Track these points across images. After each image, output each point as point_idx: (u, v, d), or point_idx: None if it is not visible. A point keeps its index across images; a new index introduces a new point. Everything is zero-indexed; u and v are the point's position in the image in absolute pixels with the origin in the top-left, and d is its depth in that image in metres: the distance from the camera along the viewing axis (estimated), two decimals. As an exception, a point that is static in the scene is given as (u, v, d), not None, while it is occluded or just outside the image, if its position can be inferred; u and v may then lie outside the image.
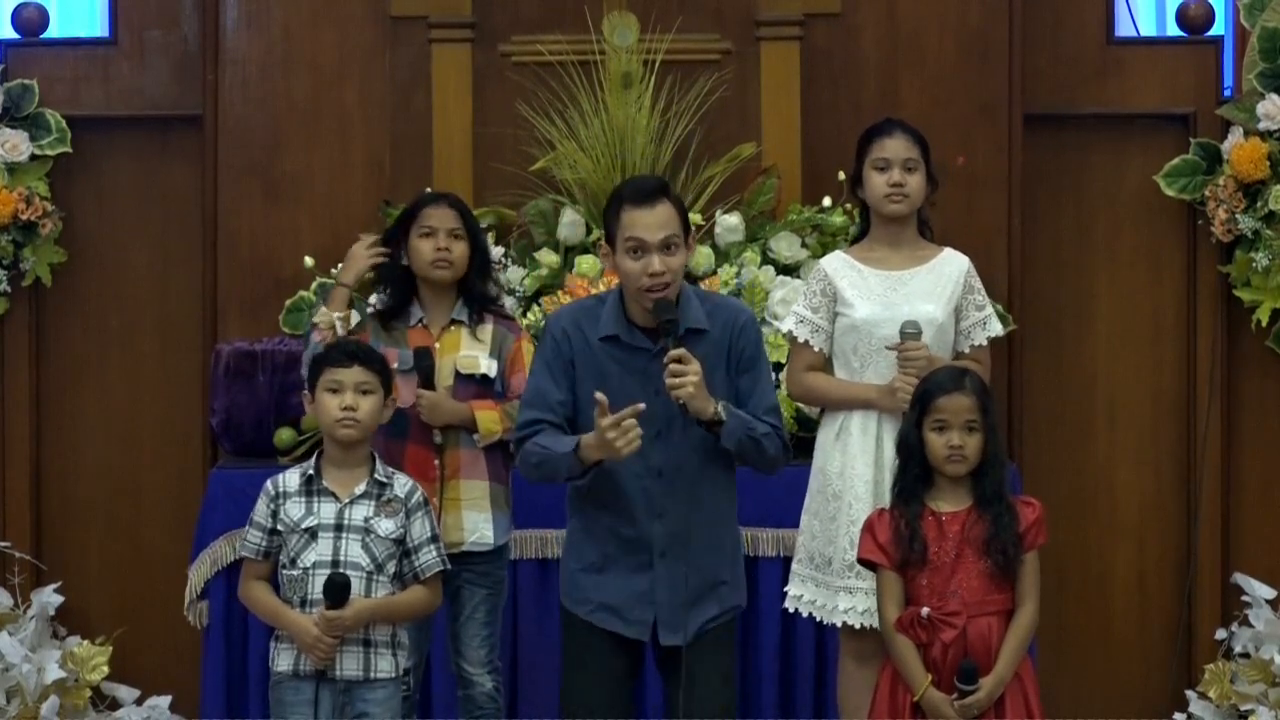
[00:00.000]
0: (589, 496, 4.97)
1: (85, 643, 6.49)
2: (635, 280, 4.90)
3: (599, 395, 4.82)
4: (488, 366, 5.49)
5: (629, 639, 4.98)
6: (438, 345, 5.49)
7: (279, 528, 5.06)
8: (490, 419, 5.44)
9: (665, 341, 4.85)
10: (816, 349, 5.52)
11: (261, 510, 5.10)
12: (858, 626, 5.38)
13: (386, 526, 5.06)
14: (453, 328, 5.54)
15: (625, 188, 5.06)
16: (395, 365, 5.43)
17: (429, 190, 5.91)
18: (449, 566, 5.18)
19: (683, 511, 4.89)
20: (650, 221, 4.90)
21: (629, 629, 4.96)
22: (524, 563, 6.00)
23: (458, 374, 5.48)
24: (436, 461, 5.43)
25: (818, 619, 5.49)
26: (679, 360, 4.81)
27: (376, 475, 5.10)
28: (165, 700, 6.52)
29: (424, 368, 5.42)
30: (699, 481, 4.93)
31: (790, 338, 5.57)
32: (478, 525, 5.46)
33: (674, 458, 4.91)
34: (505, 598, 5.65)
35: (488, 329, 5.54)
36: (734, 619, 5.08)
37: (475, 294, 5.55)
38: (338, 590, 4.95)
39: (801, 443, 6.06)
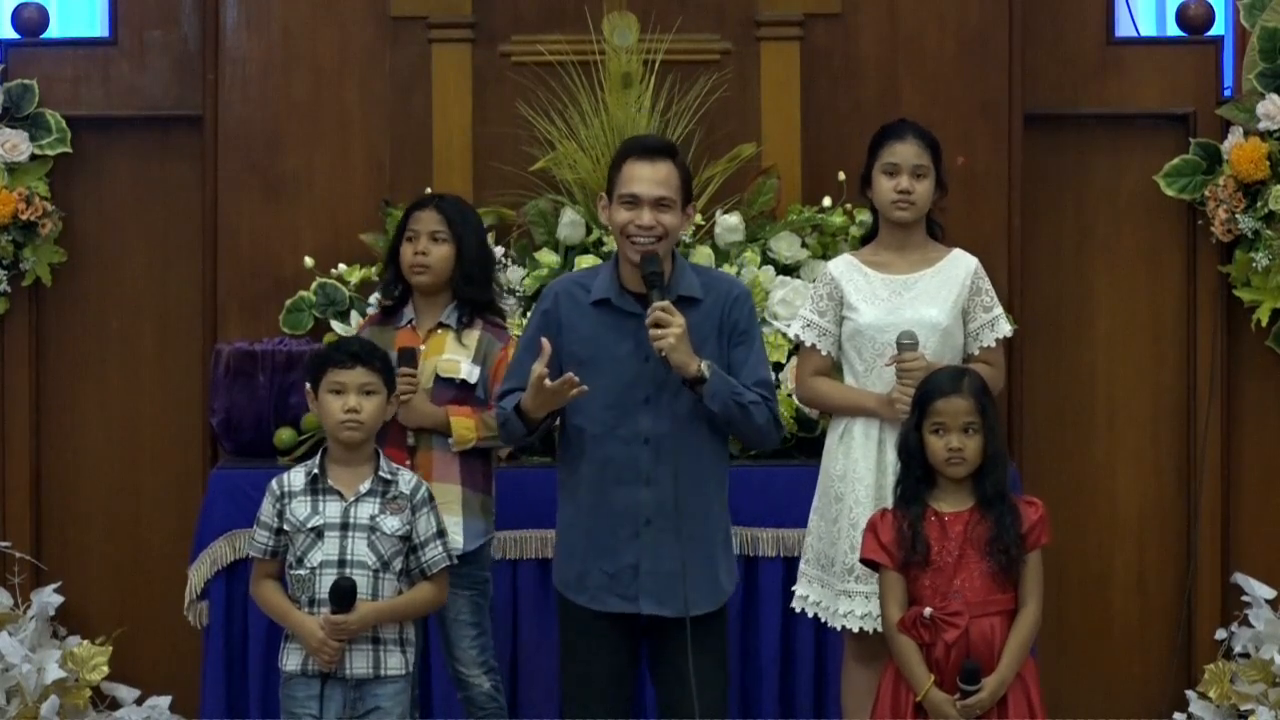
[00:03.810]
0: (577, 467, 4.98)
1: (85, 643, 6.48)
2: (624, 229, 4.92)
3: (544, 341, 4.87)
4: (468, 372, 5.48)
5: (626, 626, 4.98)
6: (424, 347, 5.49)
7: (285, 527, 5.06)
8: (465, 425, 5.43)
9: (651, 294, 4.85)
10: (824, 353, 5.52)
11: (267, 510, 5.10)
12: (857, 630, 5.39)
13: (392, 524, 5.05)
14: (439, 331, 5.54)
15: (632, 141, 5.15)
16: None
17: (427, 192, 5.89)
18: (455, 562, 5.18)
19: (671, 478, 4.88)
20: (648, 176, 4.94)
21: (621, 604, 4.94)
22: (524, 563, 6.01)
23: (437, 377, 5.48)
24: (409, 463, 5.41)
25: (822, 620, 5.49)
26: (664, 311, 4.82)
27: (381, 473, 5.10)
28: (165, 700, 6.52)
29: (409, 367, 5.41)
30: (688, 451, 4.91)
31: (797, 342, 5.57)
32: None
33: (663, 425, 4.91)
34: (491, 598, 5.63)
35: (474, 334, 5.53)
36: (725, 609, 5.06)
37: (463, 298, 5.55)
38: (343, 595, 4.95)
39: (803, 443, 6.07)
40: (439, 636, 5.57)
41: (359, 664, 5.02)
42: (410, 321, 5.56)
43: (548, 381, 4.85)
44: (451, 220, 5.54)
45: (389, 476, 5.10)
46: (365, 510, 5.05)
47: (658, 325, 4.82)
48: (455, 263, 5.53)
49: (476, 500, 5.51)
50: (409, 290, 5.59)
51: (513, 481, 5.67)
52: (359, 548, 5.02)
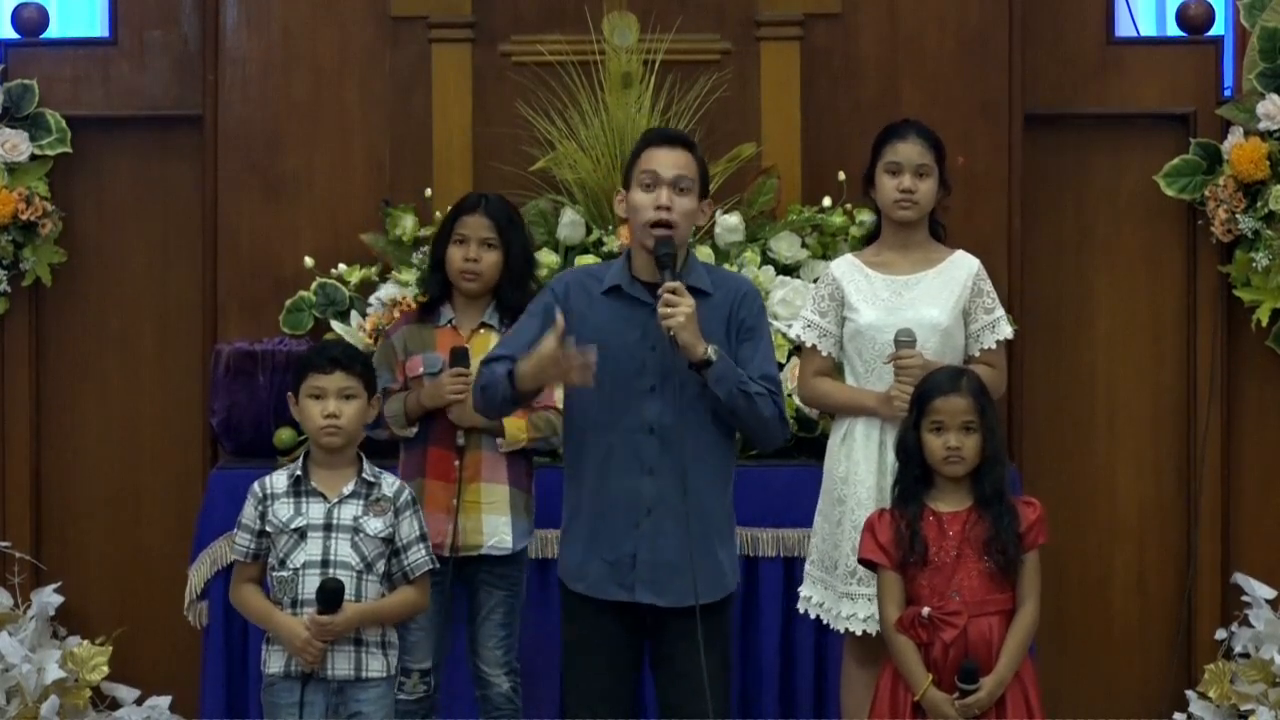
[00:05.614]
0: (581, 455, 4.98)
1: (85, 643, 6.49)
2: (643, 213, 4.93)
3: (559, 315, 4.83)
4: None
5: (628, 621, 4.97)
6: (468, 347, 5.48)
7: (267, 529, 5.05)
8: (517, 426, 5.45)
9: (663, 275, 4.86)
10: (825, 354, 5.53)
11: (249, 512, 5.09)
12: (859, 633, 5.39)
13: (375, 525, 5.04)
14: (482, 330, 5.56)
15: (652, 131, 5.18)
16: (421, 370, 5.46)
17: (474, 193, 5.84)
18: (438, 565, 5.18)
19: (674, 469, 4.88)
20: (667, 159, 4.96)
21: (619, 592, 4.94)
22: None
23: None
24: (457, 463, 5.44)
25: (825, 621, 5.49)
26: (673, 292, 4.83)
27: (364, 475, 5.09)
28: (165, 700, 6.52)
29: (462, 367, 5.41)
30: (692, 441, 4.90)
31: (798, 342, 5.57)
32: (497, 529, 5.48)
33: (668, 414, 4.91)
34: (523, 600, 5.65)
35: None
36: (729, 604, 5.07)
37: (507, 303, 5.55)
38: (330, 595, 4.94)
39: (803, 443, 6.07)
40: (462, 633, 5.57)
41: (341, 665, 5.01)
42: (450, 321, 5.57)
43: (568, 350, 4.80)
44: (500, 226, 5.55)
45: (372, 479, 5.09)
46: (348, 511, 5.04)
47: (667, 305, 4.82)
48: (502, 268, 5.54)
49: (522, 500, 5.54)
50: (447, 289, 5.59)
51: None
52: (342, 548, 5.01)
